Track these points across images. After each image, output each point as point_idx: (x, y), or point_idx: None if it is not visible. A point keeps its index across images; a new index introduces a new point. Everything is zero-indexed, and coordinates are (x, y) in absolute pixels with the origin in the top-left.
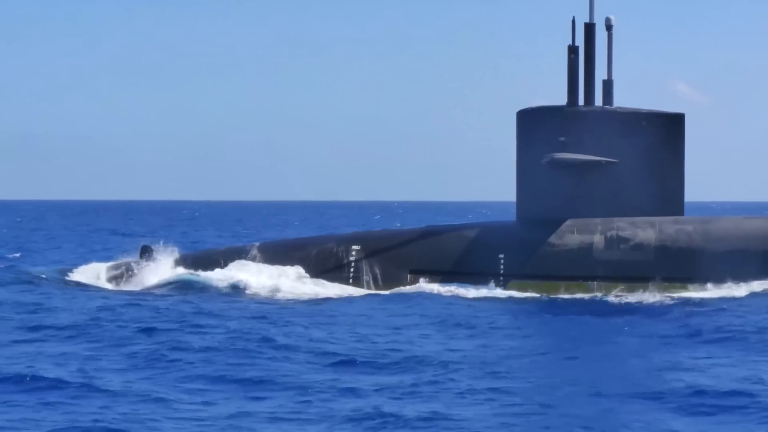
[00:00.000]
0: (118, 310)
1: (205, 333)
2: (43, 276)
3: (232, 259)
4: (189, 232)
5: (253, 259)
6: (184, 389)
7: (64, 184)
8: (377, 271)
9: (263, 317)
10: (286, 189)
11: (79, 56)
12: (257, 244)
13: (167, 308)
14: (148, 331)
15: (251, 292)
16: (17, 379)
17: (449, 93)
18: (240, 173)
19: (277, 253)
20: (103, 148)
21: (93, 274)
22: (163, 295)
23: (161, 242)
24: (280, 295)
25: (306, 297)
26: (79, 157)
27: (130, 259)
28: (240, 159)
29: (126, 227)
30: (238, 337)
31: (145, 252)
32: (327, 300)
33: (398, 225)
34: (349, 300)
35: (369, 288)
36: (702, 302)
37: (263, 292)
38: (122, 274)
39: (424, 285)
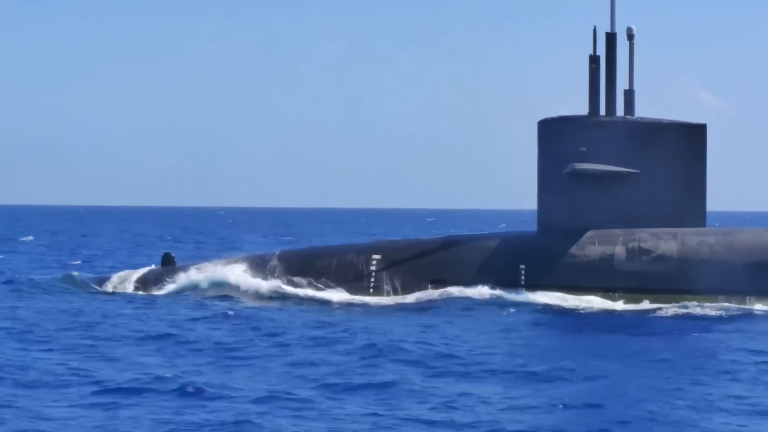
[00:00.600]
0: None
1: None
2: (111, 285)
3: (255, 268)
4: (227, 238)
5: (273, 269)
6: (316, 391)
7: (89, 189)
8: (397, 281)
9: (349, 325)
10: (316, 196)
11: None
12: (277, 252)
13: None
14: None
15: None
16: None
17: (471, 100)
18: (272, 180)
19: (297, 263)
20: (126, 157)
21: (148, 280)
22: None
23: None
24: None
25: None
26: (103, 163)
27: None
28: (270, 166)
29: (170, 232)
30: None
31: (167, 260)
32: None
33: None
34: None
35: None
36: (720, 318)
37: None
38: (162, 280)
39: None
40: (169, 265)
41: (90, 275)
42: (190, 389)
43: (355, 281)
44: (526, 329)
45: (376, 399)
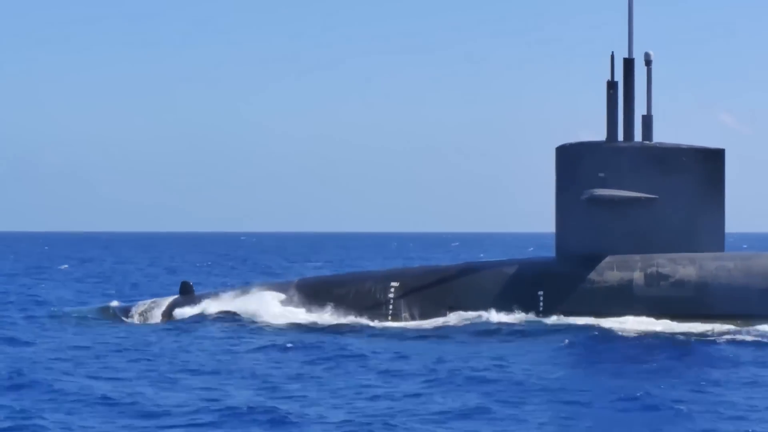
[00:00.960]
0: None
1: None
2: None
3: (274, 296)
4: (258, 263)
5: (292, 297)
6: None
7: (108, 216)
8: (415, 309)
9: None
10: (345, 220)
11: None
12: (296, 281)
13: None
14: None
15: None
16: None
17: (491, 125)
18: (299, 204)
19: (315, 291)
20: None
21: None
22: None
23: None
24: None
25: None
26: (125, 189)
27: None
28: (300, 190)
29: (200, 258)
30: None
31: (185, 289)
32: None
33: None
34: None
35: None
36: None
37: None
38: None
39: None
40: (187, 294)
41: (122, 305)
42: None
43: (372, 309)
44: (551, 353)
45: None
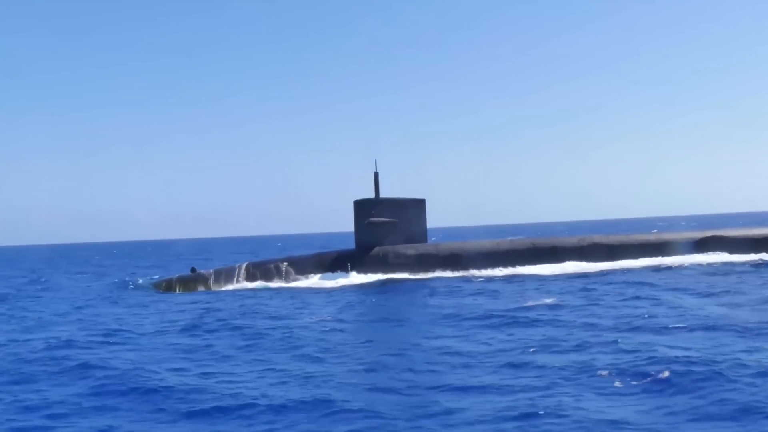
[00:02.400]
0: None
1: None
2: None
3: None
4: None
5: (243, 273)
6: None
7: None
8: (294, 274)
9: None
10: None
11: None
12: (245, 264)
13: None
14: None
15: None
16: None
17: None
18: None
19: (262, 269)
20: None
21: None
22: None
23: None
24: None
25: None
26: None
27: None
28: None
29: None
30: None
31: (194, 270)
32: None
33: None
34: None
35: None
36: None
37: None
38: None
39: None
40: (195, 273)
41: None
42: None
43: (276, 276)
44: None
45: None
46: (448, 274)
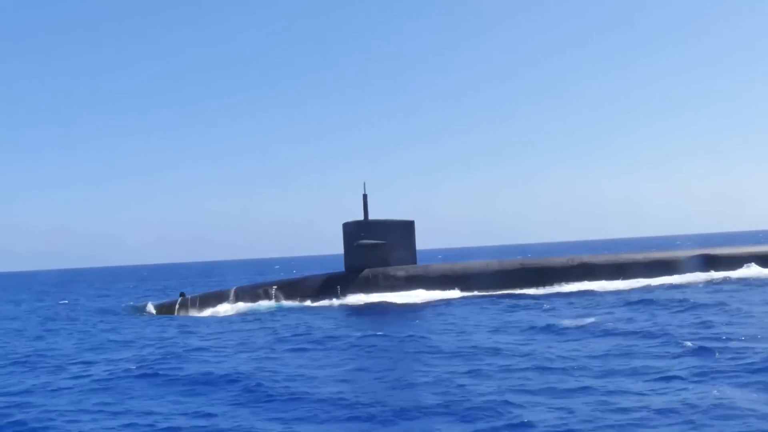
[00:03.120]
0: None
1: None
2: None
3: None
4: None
5: (234, 299)
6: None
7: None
8: (282, 297)
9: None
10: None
11: None
12: (234, 289)
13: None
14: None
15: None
16: None
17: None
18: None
19: (250, 292)
20: None
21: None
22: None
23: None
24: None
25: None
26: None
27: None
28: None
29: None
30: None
31: (182, 296)
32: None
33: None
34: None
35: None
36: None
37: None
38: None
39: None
40: (184, 298)
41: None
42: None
43: (263, 298)
44: (350, 315)
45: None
46: (438, 295)
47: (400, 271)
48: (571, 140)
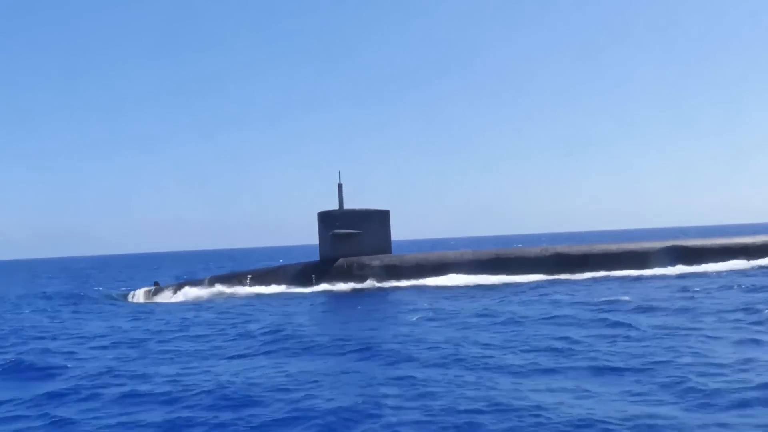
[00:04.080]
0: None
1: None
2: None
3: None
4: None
5: (211, 285)
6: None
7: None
8: (257, 285)
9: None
10: None
11: None
12: (208, 277)
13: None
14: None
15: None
16: None
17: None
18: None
19: (228, 279)
20: None
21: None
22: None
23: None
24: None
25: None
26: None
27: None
28: None
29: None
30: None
31: (156, 284)
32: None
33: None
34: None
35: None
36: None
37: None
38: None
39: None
40: (158, 287)
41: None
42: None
43: (240, 284)
44: (324, 302)
45: None
46: (412, 282)
47: (375, 260)
48: (555, 129)
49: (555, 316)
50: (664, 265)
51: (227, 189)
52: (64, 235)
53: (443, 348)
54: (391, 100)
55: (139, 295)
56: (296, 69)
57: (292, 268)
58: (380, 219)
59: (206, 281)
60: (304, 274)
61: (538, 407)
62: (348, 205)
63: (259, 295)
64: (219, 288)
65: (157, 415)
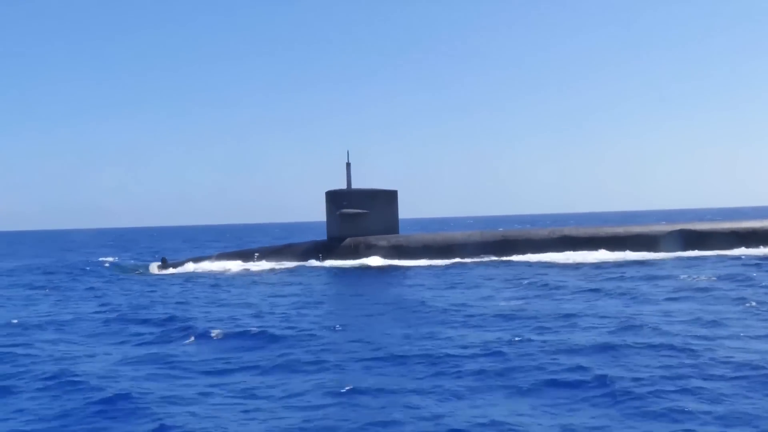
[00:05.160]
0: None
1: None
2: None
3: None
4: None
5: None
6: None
7: None
8: (269, 260)
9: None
10: None
11: None
12: (216, 253)
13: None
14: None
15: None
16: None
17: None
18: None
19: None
20: None
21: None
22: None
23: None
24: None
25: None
26: None
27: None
28: None
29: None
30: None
31: (164, 260)
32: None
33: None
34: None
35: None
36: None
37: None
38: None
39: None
40: (165, 262)
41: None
42: None
43: (248, 260)
44: (329, 277)
45: None
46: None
47: (382, 240)
48: (549, 110)
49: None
50: (672, 248)
51: (235, 164)
52: (72, 209)
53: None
54: (399, 75)
55: (153, 268)
56: (306, 45)
57: (299, 247)
58: (387, 199)
59: (214, 258)
60: (312, 252)
61: None
62: (356, 184)
63: (273, 270)
64: (227, 263)
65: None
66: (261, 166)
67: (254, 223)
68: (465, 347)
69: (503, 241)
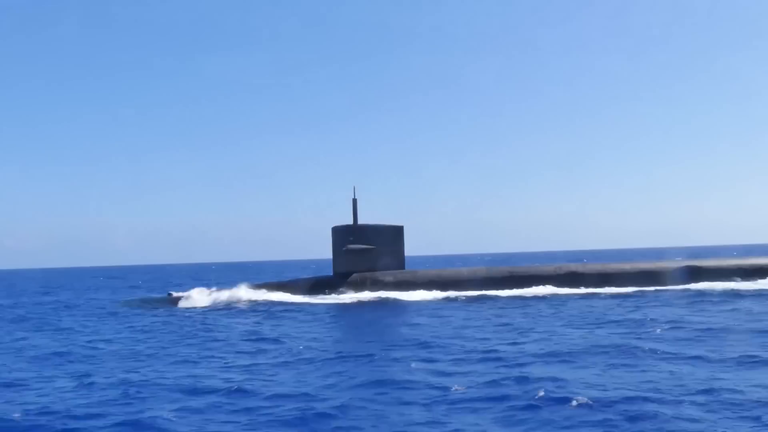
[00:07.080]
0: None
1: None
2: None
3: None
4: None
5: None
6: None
7: None
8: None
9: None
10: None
11: None
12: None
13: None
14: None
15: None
16: None
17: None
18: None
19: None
20: None
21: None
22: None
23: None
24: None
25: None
26: None
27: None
28: None
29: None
30: None
31: (170, 295)
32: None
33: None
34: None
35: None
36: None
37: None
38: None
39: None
40: (172, 297)
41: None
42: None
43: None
44: (337, 311)
45: None
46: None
47: (389, 276)
48: (560, 148)
49: None
50: (678, 283)
51: (239, 199)
52: (75, 245)
53: None
54: (408, 109)
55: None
56: (310, 77)
57: (305, 283)
58: (394, 234)
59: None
60: (318, 287)
61: None
62: (362, 219)
63: (281, 301)
64: (241, 294)
65: None
66: (265, 200)
67: (257, 261)
68: None
69: (510, 277)
